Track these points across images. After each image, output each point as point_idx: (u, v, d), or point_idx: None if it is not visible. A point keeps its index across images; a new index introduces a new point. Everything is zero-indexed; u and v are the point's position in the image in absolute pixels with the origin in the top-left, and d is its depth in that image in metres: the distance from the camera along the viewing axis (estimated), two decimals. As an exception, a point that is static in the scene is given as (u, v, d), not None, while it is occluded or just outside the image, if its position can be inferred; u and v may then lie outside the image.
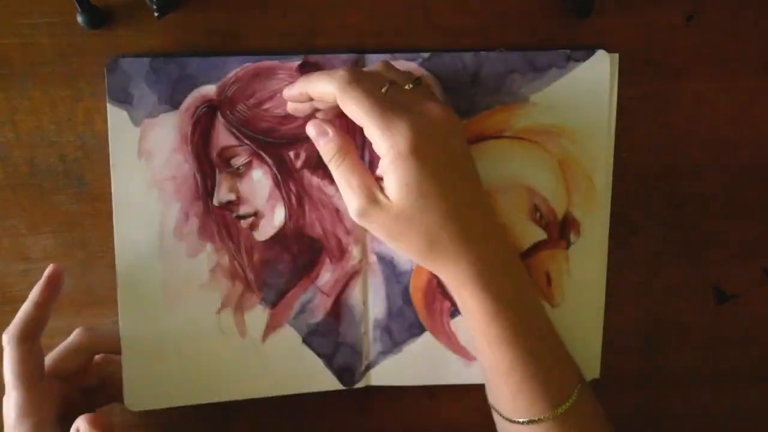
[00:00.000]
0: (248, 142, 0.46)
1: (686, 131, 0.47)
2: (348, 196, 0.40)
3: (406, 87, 0.40)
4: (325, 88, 0.39)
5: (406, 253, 0.40)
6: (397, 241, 0.40)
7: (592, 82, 0.45)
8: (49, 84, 0.46)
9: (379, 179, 0.40)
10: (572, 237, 0.47)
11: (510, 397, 0.42)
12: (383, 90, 0.39)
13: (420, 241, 0.39)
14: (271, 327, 0.47)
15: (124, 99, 0.45)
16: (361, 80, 0.38)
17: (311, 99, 0.42)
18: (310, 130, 0.42)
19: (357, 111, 0.38)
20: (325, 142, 0.41)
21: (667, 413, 0.50)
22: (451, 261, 0.39)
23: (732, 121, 0.47)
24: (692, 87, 0.47)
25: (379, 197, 0.39)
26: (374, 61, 0.45)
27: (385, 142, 0.37)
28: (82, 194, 0.47)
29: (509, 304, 0.40)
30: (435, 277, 0.47)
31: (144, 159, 0.45)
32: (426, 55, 0.45)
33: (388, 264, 0.47)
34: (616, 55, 0.45)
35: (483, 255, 0.39)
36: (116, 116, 0.45)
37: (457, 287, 0.40)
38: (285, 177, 0.46)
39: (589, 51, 0.45)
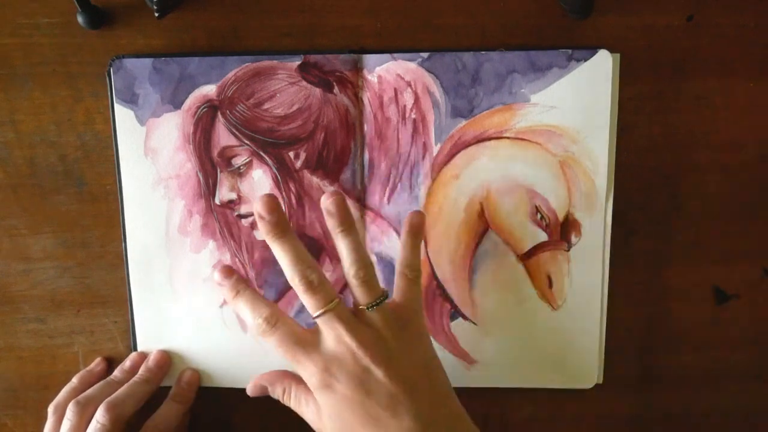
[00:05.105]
0: (248, 142, 0.46)
1: (686, 131, 0.47)
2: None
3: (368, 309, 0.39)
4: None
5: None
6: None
7: (593, 82, 0.45)
8: (49, 84, 0.46)
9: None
10: (573, 238, 0.47)
11: None
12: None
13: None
14: (271, 325, 0.47)
15: (129, 99, 0.45)
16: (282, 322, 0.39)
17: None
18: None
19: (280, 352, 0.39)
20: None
21: (667, 414, 0.50)
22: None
23: (732, 121, 0.47)
24: (692, 87, 0.47)
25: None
26: (374, 61, 0.45)
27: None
28: (82, 194, 0.47)
29: None
30: (434, 278, 0.47)
31: (150, 157, 0.46)
32: (426, 55, 0.45)
33: (387, 265, 0.47)
34: (618, 55, 0.45)
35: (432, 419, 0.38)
36: (123, 116, 0.45)
37: None
38: (285, 177, 0.46)
39: (591, 51, 0.45)
